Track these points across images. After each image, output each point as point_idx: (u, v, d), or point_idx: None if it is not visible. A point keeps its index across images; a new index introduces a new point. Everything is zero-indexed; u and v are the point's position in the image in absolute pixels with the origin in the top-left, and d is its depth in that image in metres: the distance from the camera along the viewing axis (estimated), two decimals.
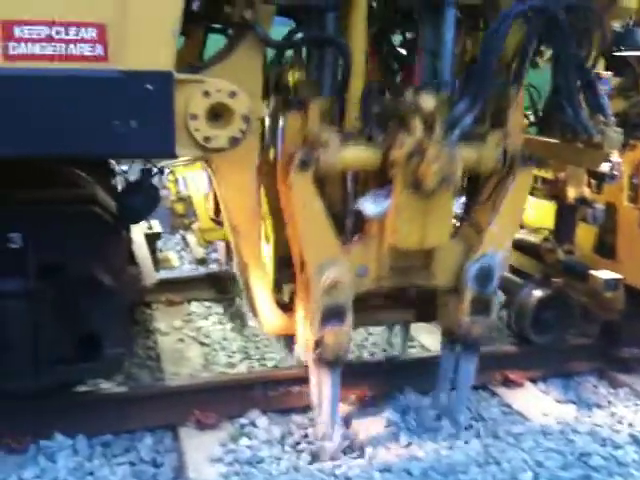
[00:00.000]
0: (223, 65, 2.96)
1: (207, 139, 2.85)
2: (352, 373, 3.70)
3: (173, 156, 2.84)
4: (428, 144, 3.19)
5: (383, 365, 4.27)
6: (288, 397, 3.95)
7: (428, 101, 3.20)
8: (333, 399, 3.50)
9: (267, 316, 3.54)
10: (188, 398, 3.77)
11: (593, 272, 4.42)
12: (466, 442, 3.71)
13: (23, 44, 2.42)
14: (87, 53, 2.51)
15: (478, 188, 3.66)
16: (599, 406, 4.24)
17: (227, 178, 3.17)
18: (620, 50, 4.39)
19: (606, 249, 4.60)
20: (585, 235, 4.71)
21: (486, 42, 3.28)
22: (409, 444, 3.66)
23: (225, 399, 3.83)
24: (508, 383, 4.32)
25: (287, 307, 3.56)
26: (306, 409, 3.87)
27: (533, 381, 4.41)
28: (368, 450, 3.58)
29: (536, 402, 4.19)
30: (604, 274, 4.38)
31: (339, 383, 3.48)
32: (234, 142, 2.91)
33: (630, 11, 3.74)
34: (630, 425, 3.99)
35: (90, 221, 3.27)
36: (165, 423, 3.72)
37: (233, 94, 2.85)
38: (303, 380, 3.73)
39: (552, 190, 4.73)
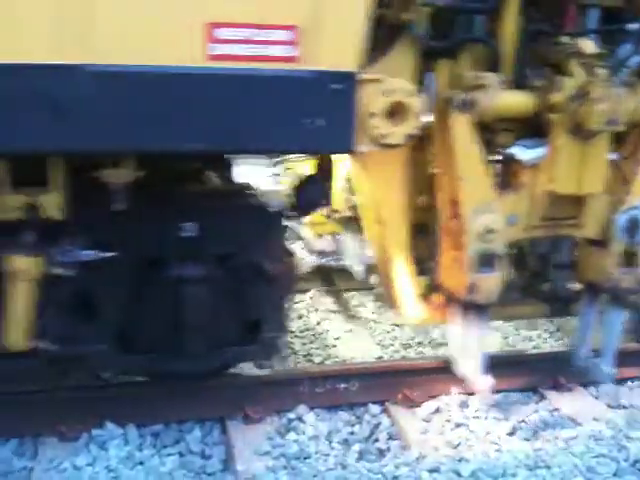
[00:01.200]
0: (380, 65, 3.07)
1: (384, 136, 2.92)
2: None
3: (351, 152, 2.93)
4: (593, 85, 3.21)
5: None
6: (335, 394, 3.96)
7: (589, 46, 3.28)
8: (480, 343, 3.58)
9: (410, 307, 3.68)
10: (237, 392, 3.81)
11: None
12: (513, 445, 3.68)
13: (225, 45, 2.51)
14: (281, 54, 2.58)
15: (625, 139, 3.62)
16: None
17: (378, 173, 3.39)
18: None
19: None
20: None
21: None
22: (458, 444, 3.64)
23: (273, 394, 3.86)
24: (558, 387, 4.25)
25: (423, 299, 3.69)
26: (353, 406, 3.88)
27: (584, 385, 4.33)
28: (415, 449, 3.57)
29: (587, 407, 4.12)
30: None
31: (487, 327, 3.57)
32: (409, 139, 2.98)
33: None
34: None
35: (259, 213, 3.45)
36: (214, 416, 3.76)
37: (410, 93, 2.92)
38: (349, 377, 3.79)
39: None
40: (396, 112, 2.91)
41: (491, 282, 3.44)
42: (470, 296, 3.43)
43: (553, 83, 3.28)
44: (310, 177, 3.58)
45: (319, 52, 2.60)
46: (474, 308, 3.49)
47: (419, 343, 5.01)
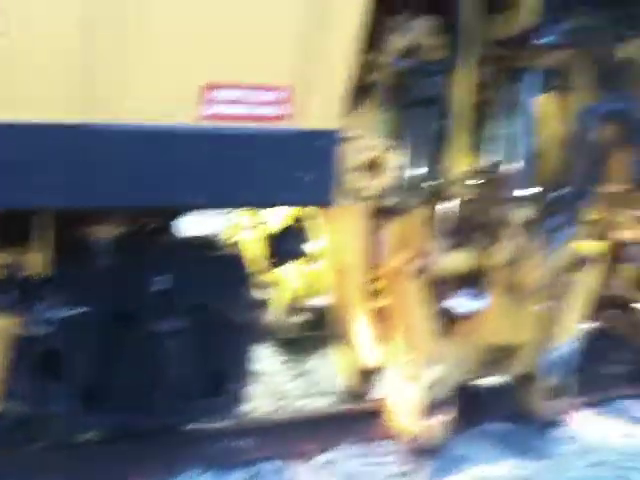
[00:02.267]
0: (354, 123, 3.17)
1: (362, 189, 3.04)
2: None
3: (332, 204, 2.98)
4: (527, 251, 3.59)
5: None
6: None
7: (522, 213, 3.64)
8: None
9: (366, 349, 3.83)
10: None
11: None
12: None
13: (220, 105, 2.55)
14: (271, 113, 2.64)
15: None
16: None
17: (344, 223, 3.59)
18: None
19: None
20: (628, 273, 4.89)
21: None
22: None
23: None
24: None
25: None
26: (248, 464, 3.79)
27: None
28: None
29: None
30: None
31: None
32: (384, 191, 3.07)
33: None
34: None
35: (232, 263, 3.44)
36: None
37: (385, 149, 3.04)
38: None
39: (598, 231, 4.90)
40: (373, 167, 3.00)
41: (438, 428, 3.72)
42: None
43: (491, 246, 3.61)
44: (288, 228, 3.64)
45: (307, 111, 2.67)
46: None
47: (315, 393, 4.82)
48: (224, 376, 3.54)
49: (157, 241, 3.42)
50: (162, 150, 2.49)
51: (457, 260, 3.65)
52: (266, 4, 2.54)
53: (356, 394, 4.21)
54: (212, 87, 2.51)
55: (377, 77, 3.27)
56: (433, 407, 3.66)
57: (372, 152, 3.01)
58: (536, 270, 3.64)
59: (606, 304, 4.75)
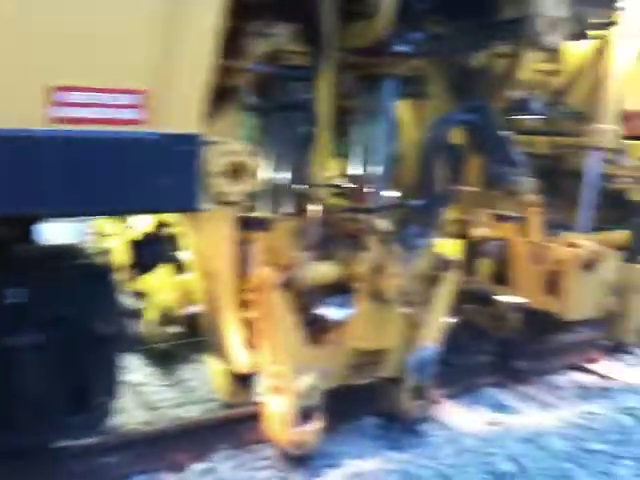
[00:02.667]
0: (214, 127, 3.12)
1: (225, 194, 2.98)
2: None
3: (196, 210, 2.92)
4: (388, 261, 3.69)
5: None
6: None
7: (383, 223, 3.77)
8: None
9: (237, 355, 3.84)
10: None
11: (498, 297, 5.00)
12: None
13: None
14: (128, 117, 2.56)
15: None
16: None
17: (211, 229, 3.55)
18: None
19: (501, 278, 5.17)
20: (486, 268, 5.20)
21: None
22: None
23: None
24: None
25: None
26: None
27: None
28: None
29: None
30: (509, 298, 4.97)
31: None
32: (247, 197, 3.06)
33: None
34: None
35: (88, 272, 3.28)
36: None
37: (247, 154, 3.00)
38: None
39: (460, 229, 5.15)
40: (235, 171, 3.03)
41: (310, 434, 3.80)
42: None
43: (354, 256, 3.77)
44: (150, 235, 3.58)
45: (165, 115, 2.64)
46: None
47: (188, 402, 4.72)
48: (89, 390, 3.38)
49: (10, 251, 3.26)
50: (9, 154, 2.38)
51: (323, 270, 3.76)
52: (121, 5, 2.49)
53: (229, 401, 4.19)
54: (62, 89, 2.42)
55: (238, 81, 3.29)
56: (304, 415, 3.72)
57: (235, 157, 3.01)
58: (398, 276, 3.78)
59: (468, 298, 5.06)
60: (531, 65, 4.65)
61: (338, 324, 3.81)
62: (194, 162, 2.78)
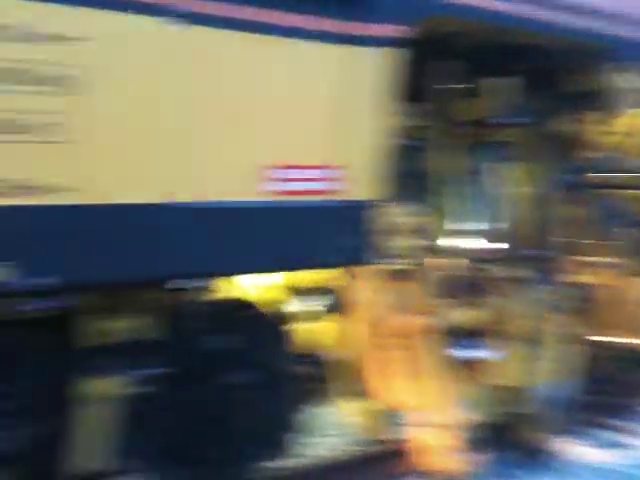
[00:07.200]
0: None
1: (390, 250, 3.50)
2: None
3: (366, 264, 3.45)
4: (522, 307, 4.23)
5: None
6: None
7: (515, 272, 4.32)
8: None
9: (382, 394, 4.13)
10: None
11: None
12: None
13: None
14: (326, 188, 3.19)
15: None
16: None
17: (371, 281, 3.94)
18: None
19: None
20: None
21: None
22: None
23: None
24: None
25: None
26: None
27: None
28: None
29: None
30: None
31: None
32: (412, 253, 3.58)
33: None
34: None
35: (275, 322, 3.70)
36: None
37: (411, 214, 3.54)
38: None
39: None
40: (401, 230, 3.68)
41: None
42: None
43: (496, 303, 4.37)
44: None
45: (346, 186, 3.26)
46: None
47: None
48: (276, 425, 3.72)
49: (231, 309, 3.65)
50: (233, 224, 2.99)
51: (464, 316, 4.23)
52: (313, 103, 3.15)
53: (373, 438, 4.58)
54: (274, 167, 3.04)
55: None
56: (464, 446, 4.10)
57: (400, 217, 3.61)
58: (535, 319, 4.25)
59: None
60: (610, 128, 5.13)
61: (477, 364, 4.25)
62: (366, 224, 3.36)
